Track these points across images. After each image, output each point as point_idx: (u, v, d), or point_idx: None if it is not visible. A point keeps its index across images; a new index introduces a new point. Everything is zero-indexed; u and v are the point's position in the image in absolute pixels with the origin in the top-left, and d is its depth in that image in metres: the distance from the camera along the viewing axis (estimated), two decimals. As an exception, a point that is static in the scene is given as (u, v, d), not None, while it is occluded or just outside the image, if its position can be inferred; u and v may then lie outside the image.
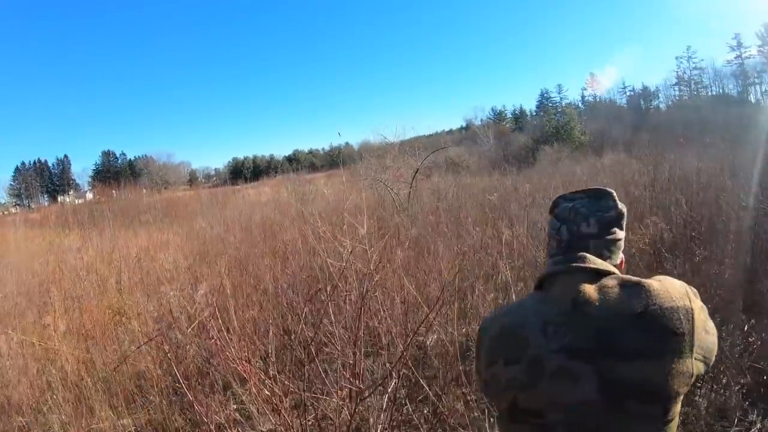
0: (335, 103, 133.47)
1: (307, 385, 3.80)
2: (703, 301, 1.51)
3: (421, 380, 4.61)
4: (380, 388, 4.04)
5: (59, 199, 73.82)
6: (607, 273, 1.44)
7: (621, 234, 1.55)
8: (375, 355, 5.23)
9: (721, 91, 66.06)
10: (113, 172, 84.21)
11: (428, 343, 5.52)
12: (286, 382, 3.75)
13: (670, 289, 1.38)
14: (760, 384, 4.51)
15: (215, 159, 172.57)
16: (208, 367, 5.15)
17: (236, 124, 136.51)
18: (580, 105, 71.78)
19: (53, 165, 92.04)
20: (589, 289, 1.40)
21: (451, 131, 79.41)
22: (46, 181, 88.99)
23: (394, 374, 4.03)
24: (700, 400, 4.36)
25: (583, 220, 1.52)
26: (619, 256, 1.56)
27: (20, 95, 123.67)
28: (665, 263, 6.52)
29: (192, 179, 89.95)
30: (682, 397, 1.33)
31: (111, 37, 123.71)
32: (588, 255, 1.47)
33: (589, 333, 1.34)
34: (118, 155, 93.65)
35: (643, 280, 1.41)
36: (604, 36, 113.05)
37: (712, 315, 1.51)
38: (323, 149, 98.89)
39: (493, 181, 16.35)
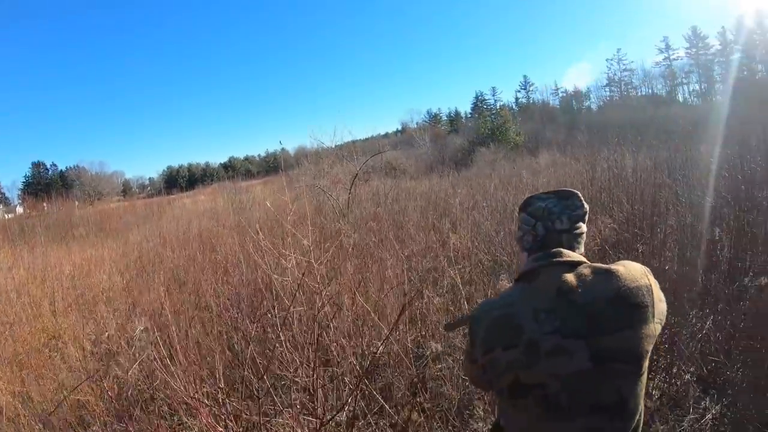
0: (271, 108, 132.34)
1: (258, 407, 3.64)
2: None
3: (375, 393, 4.54)
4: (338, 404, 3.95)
5: None
6: (581, 263, 1.75)
7: (584, 228, 1.88)
8: (326, 370, 5.04)
9: (650, 91, 68.19)
10: (44, 185, 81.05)
11: (381, 351, 5.36)
12: (236, 405, 3.61)
13: (633, 272, 1.73)
14: (710, 371, 4.61)
15: (149, 168, 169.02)
16: (154, 393, 4.93)
17: (170, 131, 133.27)
18: (513, 107, 72.81)
19: None
20: (570, 278, 1.70)
21: (387, 135, 79.53)
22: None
23: (351, 397, 3.99)
24: (654, 391, 4.42)
25: (556, 217, 1.83)
26: (583, 246, 1.87)
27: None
28: (609, 259, 6.56)
29: (126, 189, 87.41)
30: (649, 355, 1.69)
31: (34, 44, 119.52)
32: (563, 250, 1.78)
33: (576, 315, 1.65)
34: (48, 166, 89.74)
35: (611, 266, 1.73)
36: (536, 39, 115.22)
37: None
38: (259, 155, 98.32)
39: (432, 184, 16.30)
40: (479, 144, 40.38)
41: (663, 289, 1.82)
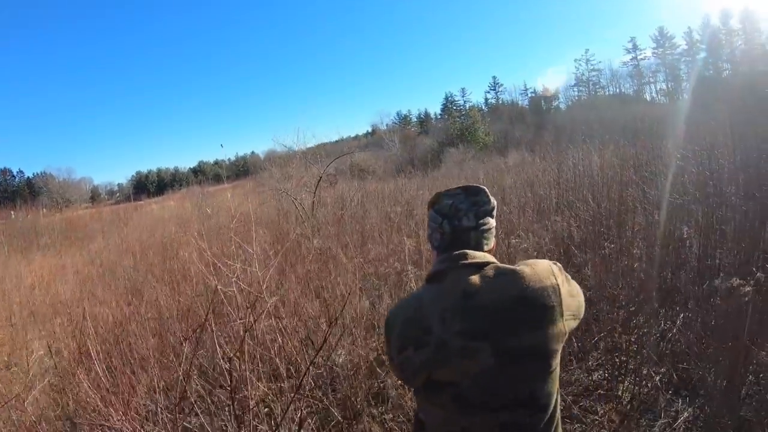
0: (242, 112, 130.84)
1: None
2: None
3: (330, 407, 4.41)
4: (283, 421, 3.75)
5: None
6: (487, 264, 1.75)
7: (493, 222, 1.88)
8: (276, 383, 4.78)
9: (617, 90, 69.00)
10: (10, 192, 79.75)
11: (339, 362, 5.12)
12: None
13: (539, 272, 1.72)
14: (681, 372, 4.49)
15: (118, 173, 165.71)
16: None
17: (139, 136, 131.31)
18: (483, 107, 72.97)
19: None
20: (475, 280, 1.70)
21: (357, 137, 79.83)
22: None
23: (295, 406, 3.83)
24: (624, 394, 4.35)
25: (463, 215, 1.82)
26: (492, 241, 1.88)
27: None
28: (574, 259, 6.39)
29: (94, 196, 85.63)
30: (559, 352, 1.71)
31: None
32: (469, 252, 1.77)
33: (480, 316, 1.66)
34: (15, 173, 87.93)
35: (516, 267, 1.74)
36: (505, 40, 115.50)
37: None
38: (229, 159, 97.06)
39: (398, 186, 16.08)
40: (448, 145, 40.59)
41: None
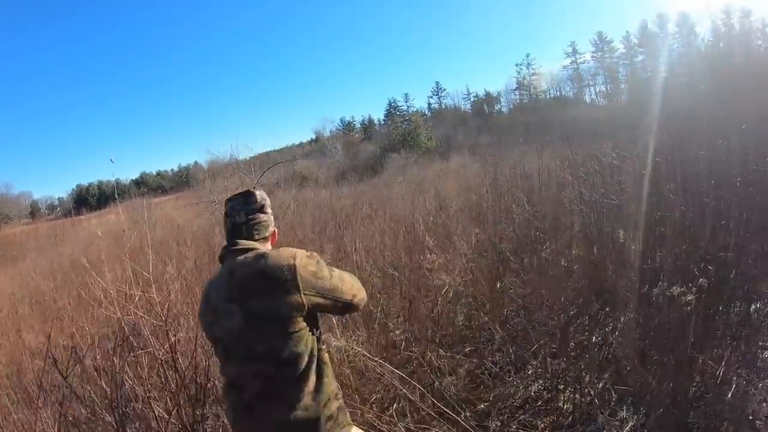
0: (184, 120, 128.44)
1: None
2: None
3: None
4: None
5: None
6: (252, 249, 2.29)
7: (263, 216, 2.43)
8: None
9: (558, 93, 70.33)
10: None
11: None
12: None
13: (281, 254, 2.22)
14: (623, 378, 4.27)
15: (58, 187, 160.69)
16: None
17: (79, 147, 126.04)
18: (426, 112, 73.28)
19: None
20: (239, 260, 2.25)
21: (302, 144, 79.99)
22: None
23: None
24: (565, 405, 4.23)
25: (237, 213, 2.40)
26: (269, 230, 2.46)
27: None
28: (509, 263, 6.12)
29: (34, 211, 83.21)
30: (300, 319, 2.16)
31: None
32: (239, 240, 2.34)
33: (236, 286, 2.21)
34: None
35: (267, 250, 2.31)
36: (448, 46, 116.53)
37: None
38: (172, 170, 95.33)
39: (335, 194, 15.75)
40: (391, 150, 40.50)
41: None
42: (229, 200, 2.48)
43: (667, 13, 56.93)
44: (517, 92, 74.01)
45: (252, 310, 2.15)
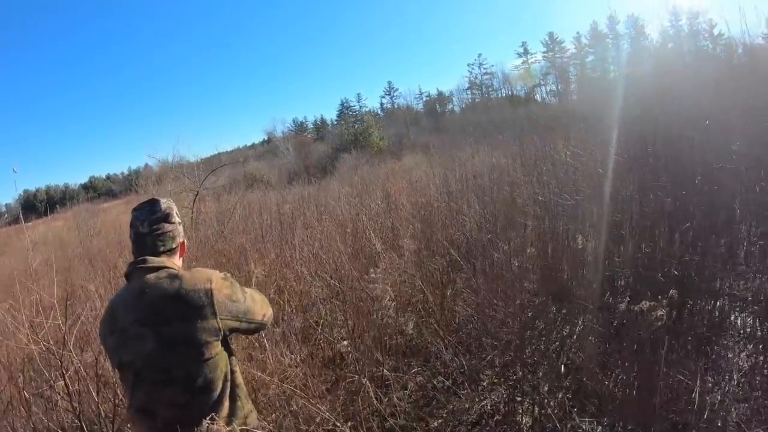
0: (134, 122, 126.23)
1: None
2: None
3: None
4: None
5: None
6: (163, 267, 2.20)
7: (169, 227, 2.31)
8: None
9: (510, 93, 70.94)
10: None
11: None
12: None
13: (196, 277, 2.17)
14: (584, 385, 4.01)
15: (4, 193, 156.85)
16: None
17: (24, 152, 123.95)
18: (379, 112, 73.26)
19: None
20: (150, 280, 2.15)
21: (254, 145, 79.63)
22: None
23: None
24: (524, 418, 3.94)
25: (140, 223, 2.27)
26: (176, 241, 2.34)
27: None
28: (461, 270, 5.79)
29: None
30: (217, 344, 2.13)
31: None
32: (148, 257, 2.21)
33: (148, 308, 2.10)
34: None
35: (181, 272, 2.22)
36: (399, 46, 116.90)
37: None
38: (122, 173, 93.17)
39: (288, 194, 15.28)
40: (343, 150, 40.20)
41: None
42: (134, 210, 2.34)
43: (616, 14, 58.12)
44: (469, 92, 74.62)
45: (167, 335, 2.07)
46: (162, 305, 2.08)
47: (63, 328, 3.69)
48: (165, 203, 2.32)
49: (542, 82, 70.70)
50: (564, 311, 4.84)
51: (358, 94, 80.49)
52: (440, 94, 77.80)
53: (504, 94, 72.01)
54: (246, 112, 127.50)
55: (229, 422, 2.13)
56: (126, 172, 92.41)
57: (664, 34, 46.80)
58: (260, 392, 4.20)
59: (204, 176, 13.92)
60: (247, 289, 2.35)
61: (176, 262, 2.33)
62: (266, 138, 78.78)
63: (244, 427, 2.19)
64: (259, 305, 2.34)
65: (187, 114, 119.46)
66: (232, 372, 2.23)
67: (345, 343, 4.91)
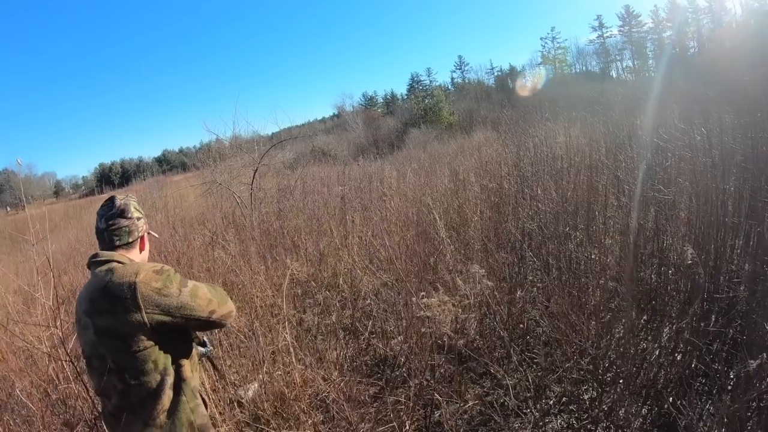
0: (208, 97, 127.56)
1: None
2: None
3: None
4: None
5: None
6: (110, 261, 2.28)
7: (125, 221, 2.39)
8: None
9: (584, 68, 68.67)
10: None
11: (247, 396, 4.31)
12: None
13: (126, 270, 2.21)
14: (669, 411, 3.34)
15: (82, 166, 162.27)
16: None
17: (101, 127, 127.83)
18: (449, 87, 72.13)
19: None
20: (95, 273, 2.26)
21: (324, 119, 79.21)
22: None
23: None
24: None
25: (98, 219, 2.39)
26: (132, 236, 2.41)
27: None
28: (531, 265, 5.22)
29: (58, 191, 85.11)
30: (145, 337, 2.15)
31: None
32: (100, 252, 2.33)
33: (89, 300, 2.21)
34: None
35: (117, 265, 2.26)
36: (471, 19, 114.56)
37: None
38: (194, 147, 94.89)
39: (349, 170, 14.83)
40: (412, 125, 39.59)
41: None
42: (100, 207, 2.45)
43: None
44: (541, 67, 72.59)
45: (99, 326, 2.17)
46: (96, 297, 2.19)
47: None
48: (121, 200, 2.43)
49: (618, 58, 68.24)
50: (646, 318, 4.25)
51: (428, 69, 78.75)
52: (512, 68, 75.98)
53: (578, 70, 69.87)
54: (318, 87, 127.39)
55: (169, 415, 2.22)
56: (198, 145, 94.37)
57: (747, 8, 44.59)
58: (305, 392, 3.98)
59: (264, 151, 13.54)
60: (191, 283, 2.34)
61: (132, 255, 2.42)
62: (336, 112, 78.64)
63: None
64: (203, 301, 2.31)
65: (261, 89, 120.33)
66: (179, 366, 2.29)
67: (399, 339, 4.45)
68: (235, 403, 4.23)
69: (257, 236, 7.31)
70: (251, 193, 11.37)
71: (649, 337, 3.98)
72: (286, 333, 4.34)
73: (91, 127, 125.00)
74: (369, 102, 77.58)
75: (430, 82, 75.22)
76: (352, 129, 48.43)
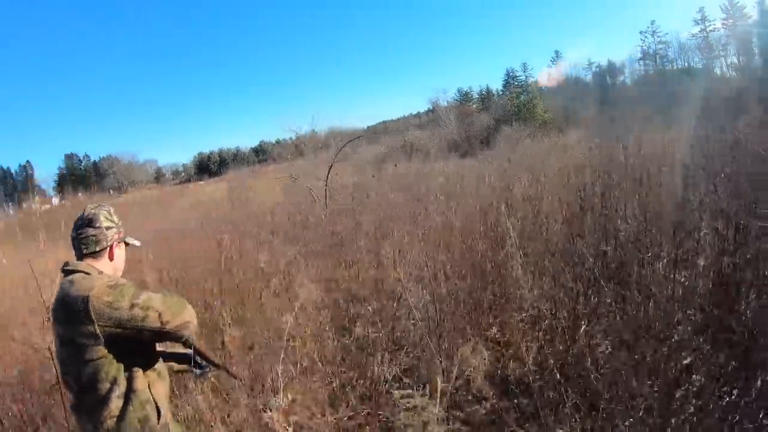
0: (304, 90, 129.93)
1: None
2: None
3: None
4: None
5: (24, 206, 71.76)
6: (75, 271, 2.37)
7: (92, 231, 2.48)
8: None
9: (686, 64, 65.11)
10: (78, 176, 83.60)
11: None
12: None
13: (82, 283, 2.28)
14: None
15: (182, 154, 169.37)
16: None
17: (201, 117, 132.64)
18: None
19: (16, 172, 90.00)
20: (63, 282, 2.34)
21: (419, 114, 78.82)
22: (9, 188, 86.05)
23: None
24: None
25: (72, 230, 2.50)
26: (100, 245, 2.49)
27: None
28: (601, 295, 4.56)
29: (158, 177, 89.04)
30: (98, 348, 2.22)
31: (61, 36, 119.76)
32: (70, 261, 2.44)
33: (53, 307, 2.35)
34: (81, 158, 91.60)
35: (78, 276, 2.34)
36: (568, 12, 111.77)
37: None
38: (290, 138, 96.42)
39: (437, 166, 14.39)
40: (505, 122, 38.61)
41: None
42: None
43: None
44: (641, 62, 69.40)
45: (59, 333, 2.33)
46: (57, 307, 2.33)
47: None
48: (90, 209, 2.54)
49: (721, 53, 64.36)
50: (735, 363, 3.48)
51: (524, 64, 77.33)
52: (610, 64, 73.21)
53: (680, 66, 66.30)
54: (415, 81, 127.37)
55: (117, 422, 2.27)
56: (293, 137, 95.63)
57: None
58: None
59: (341, 146, 13.26)
60: (145, 295, 2.36)
61: (100, 264, 2.51)
62: (431, 107, 78.25)
63: None
64: (153, 312, 2.33)
65: (355, 83, 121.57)
66: (131, 377, 2.34)
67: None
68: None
69: (313, 237, 7.05)
70: (325, 189, 11.05)
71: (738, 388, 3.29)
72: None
73: (192, 118, 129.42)
74: (464, 97, 76.91)
75: (526, 77, 73.79)
76: (445, 125, 47.97)
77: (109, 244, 2.52)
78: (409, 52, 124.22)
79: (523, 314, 4.81)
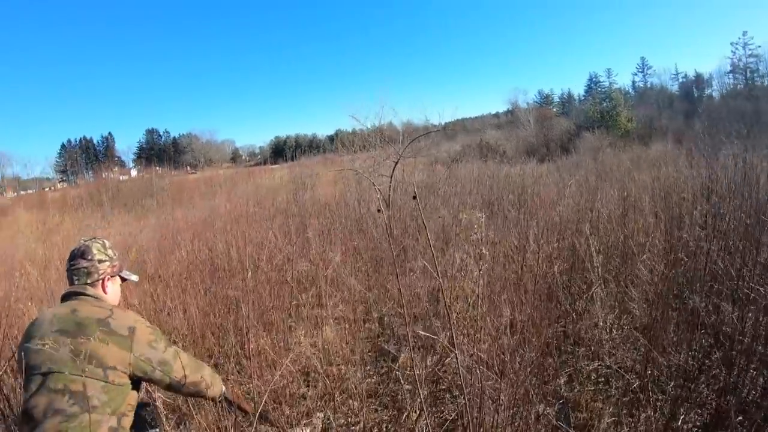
0: (383, 82, 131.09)
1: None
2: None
3: None
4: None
5: (104, 175, 74.55)
6: (86, 295, 2.41)
7: (84, 263, 2.47)
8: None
9: (776, 81, 60.68)
10: (157, 150, 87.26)
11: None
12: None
13: (126, 314, 2.39)
14: None
15: (260, 137, 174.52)
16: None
17: (281, 103, 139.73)
18: (630, 90, 68.00)
19: (98, 142, 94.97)
20: (67, 305, 2.36)
21: (498, 114, 78.07)
22: (91, 158, 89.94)
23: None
24: None
25: (67, 260, 2.50)
26: (92, 277, 2.48)
27: (66, 74, 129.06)
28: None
29: (235, 157, 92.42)
30: (124, 375, 2.23)
31: (152, 16, 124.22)
32: (69, 287, 2.45)
33: (69, 323, 2.25)
34: (161, 133, 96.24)
35: (80, 305, 2.34)
36: (656, 19, 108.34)
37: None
38: (365, 129, 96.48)
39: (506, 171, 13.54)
40: (586, 128, 37.22)
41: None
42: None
43: None
44: (731, 75, 65.76)
45: (85, 349, 2.18)
46: (89, 323, 2.25)
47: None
48: (85, 241, 2.56)
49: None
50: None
51: (608, 70, 75.33)
52: (698, 75, 70.01)
53: (769, 82, 61.77)
54: (495, 81, 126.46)
55: None
56: (368, 127, 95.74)
57: None
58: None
59: (408, 142, 12.56)
60: (174, 347, 2.46)
61: (95, 291, 2.49)
62: (510, 108, 77.03)
63: None
64: (179, 365, 2.42)
65: (437, 76, 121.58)
66: (124, 415, 2.27)
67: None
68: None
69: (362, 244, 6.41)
70: (390, 186, 10.27)
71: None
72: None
73: (271, 102, 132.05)
74: (544, 100, 76.17)
75: (610, 84, 72.12)
76: (524, 127, 46.90)
77: (100, 277, 2.52)
78: (492, 51, 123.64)
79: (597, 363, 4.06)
